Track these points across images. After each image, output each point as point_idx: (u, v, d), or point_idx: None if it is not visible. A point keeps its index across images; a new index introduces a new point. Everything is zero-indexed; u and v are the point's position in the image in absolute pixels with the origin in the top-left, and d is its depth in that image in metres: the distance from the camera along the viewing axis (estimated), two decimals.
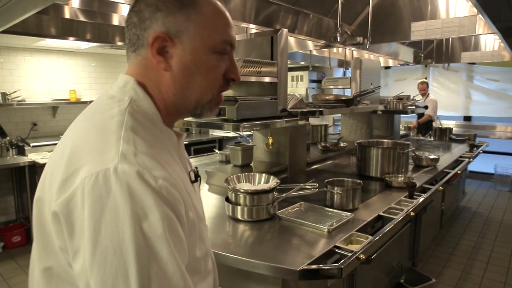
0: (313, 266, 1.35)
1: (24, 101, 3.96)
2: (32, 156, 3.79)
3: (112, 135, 0.63)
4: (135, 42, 0.72)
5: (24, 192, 3.91)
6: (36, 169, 3.65)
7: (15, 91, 3.90)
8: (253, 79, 2.25)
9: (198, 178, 0.85)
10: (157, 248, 0.57)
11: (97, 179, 0.57)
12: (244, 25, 2.79)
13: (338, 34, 2.38)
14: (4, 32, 2.71)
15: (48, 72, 4.32)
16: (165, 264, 0.58)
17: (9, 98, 3.80)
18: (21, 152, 3.90)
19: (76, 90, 4.39)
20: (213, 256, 0.87)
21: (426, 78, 7.15)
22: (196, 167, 0.85)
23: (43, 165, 3.58)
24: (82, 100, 4.40)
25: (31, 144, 3.91)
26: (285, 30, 2.53)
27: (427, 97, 6.10)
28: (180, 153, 0.79)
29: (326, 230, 1.65)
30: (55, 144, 3.79)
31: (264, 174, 1.98)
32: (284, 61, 2.52)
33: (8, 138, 3.85)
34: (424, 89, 6.11)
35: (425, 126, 5.75)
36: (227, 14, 0.75)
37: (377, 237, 1.59)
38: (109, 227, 0.56)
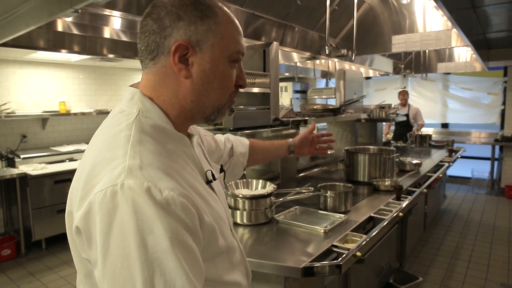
0: (315, 264, 1.44)
1: (14, 113, 3.92)
2: (23, 168, 3.75)
3: (119, 150, 0.65)
4: (154, 49, 0.72)
5: (14, 205, 3.83)
6: (28, 181, 3.60)
7: (5, 103, 3.88)
8: (250, 90, 2.37)
9: (222, 173, 0.90)
10: (163, 262, 0.59)
11: (105, 195, 0.60)
12: None
13: (326, 47, 2.52)
14: None
15: (37, 84, 4.30)
16: (173, 277, 0.59)
17: None
18: (11, 164, 3.84)
19: (65, 102, 4.37)
20: (241, 248, 0.92)
21: (405, 88, 7.41)
22: (221, 165, 0.92)
23: (35, 176, 3.60)
24: (71, 112, 4.38)
25: (21, 156, 3.86)
26: (276, 43, 2.67)
27: (409, 106, 6.05)
28: (194, 155, 0.79)
29: (322, 231, 1.75)
30: (46, 155, 3.74)
31: (261, 180, 2.04)
32: (275, 73, 2.65)
33: None
34: (406, 99, 6.03)
35: (405, 132, 5.81)
36: (238, 24, 0.77)
37: (371, 236, 1.71)
38: (117, 241, 0.59)
